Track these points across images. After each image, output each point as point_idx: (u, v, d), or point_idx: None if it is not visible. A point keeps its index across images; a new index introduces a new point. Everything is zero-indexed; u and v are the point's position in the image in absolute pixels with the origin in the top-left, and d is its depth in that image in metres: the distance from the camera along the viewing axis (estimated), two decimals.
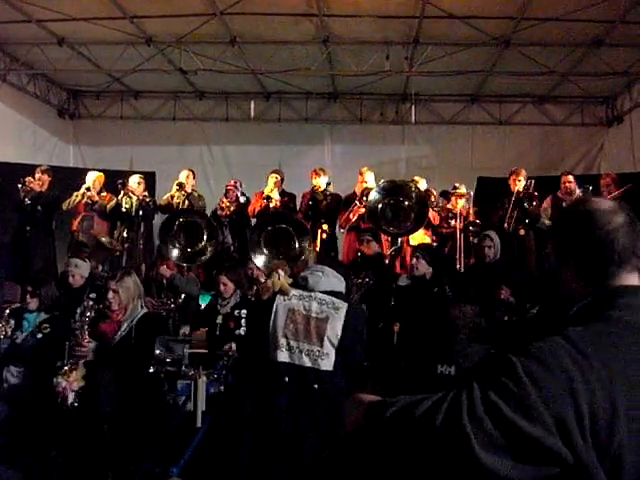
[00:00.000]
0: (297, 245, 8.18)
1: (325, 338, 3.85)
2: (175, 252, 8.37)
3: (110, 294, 4.88)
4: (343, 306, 3.99)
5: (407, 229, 8.45)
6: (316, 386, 3.79)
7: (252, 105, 12.57)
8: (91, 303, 5.18)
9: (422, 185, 9.27)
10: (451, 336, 1.96)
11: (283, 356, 3.82)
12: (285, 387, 3.79)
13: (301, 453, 3.74)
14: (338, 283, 4.14)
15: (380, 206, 8.41)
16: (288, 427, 3.75)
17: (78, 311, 5.14)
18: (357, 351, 4.04)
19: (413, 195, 8.41)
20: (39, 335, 5.51)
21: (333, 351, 3.85)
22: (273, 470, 3.74)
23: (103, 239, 8.94)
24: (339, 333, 3.89)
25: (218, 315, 6.14)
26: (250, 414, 3.84)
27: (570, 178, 8.91)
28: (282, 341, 3.82)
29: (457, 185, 9.34)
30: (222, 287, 6.25)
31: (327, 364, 3.83)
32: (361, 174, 9.30)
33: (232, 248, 9.28)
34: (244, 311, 6.01)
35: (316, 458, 3.76)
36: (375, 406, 1.55)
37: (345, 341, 3.90)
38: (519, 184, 8.81)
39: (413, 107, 11.91)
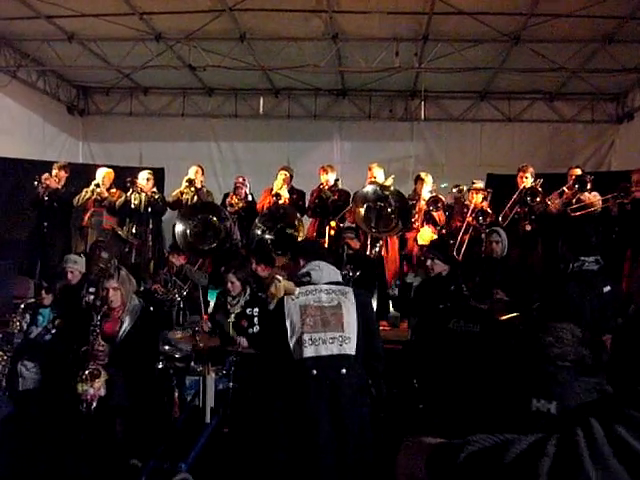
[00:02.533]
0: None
1: (344, 322, 3.89)
2: (180, 230, 8.57)
3: (111, 292, 4.90)
4: (349, 290, 4.06)
5: (394, 231, 8.71)
6: (344, 371, 3.81)
7: (261, 101, 12.57)
8: (92, 297, 5.22)
9: (428, 182, 9.26)
10: (543, 367, 1.61)
11: (308, 351, 3.81)
12: (314, 379, 3.79)
13: (344, 444, 3.75)
14: (335, 274, 4.21)
15: (363, 211, 8.59)
16: (327, 419, 3.75)
17: (84, 305, 5.17)
18: (375, 329, 4.10)
19: (392, 202, 8.60)
20: (53, 331, 5.55)
21: (354, 334, 3.89)
22: (318, 465, 3.74)
23: (120, 232, 9.06)
24: (354, 315, 3.93)
25: (230, 314, 6.16)
26: (283, 418, 3.83)
27: (577, 171, 8.82)
28: (305, 337, 3.82)
29: (475, 181, 9.37)
30: (230, 285, 6.27)
31: (350, 348, 3.86)
32: (370, 170, 9.30)
33: (240, 244, 9.27)
34: (256, 309, 6.03)
35: (356, 446, 3.78)
36: (440, 450, 1.25)
37: (362, 321, 3.95)
38: (526, 181, 8.76)
39: (422, 104, 11.87)
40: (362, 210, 8.56)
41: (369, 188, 8.83)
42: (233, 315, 6.15)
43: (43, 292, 5.82)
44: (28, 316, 5.71)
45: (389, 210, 8.59)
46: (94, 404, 4.63)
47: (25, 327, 5.62)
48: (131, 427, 4.62)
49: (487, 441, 1.16)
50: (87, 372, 4.70)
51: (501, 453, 1.10)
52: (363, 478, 3.81)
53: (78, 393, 4.66)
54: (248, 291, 6.35)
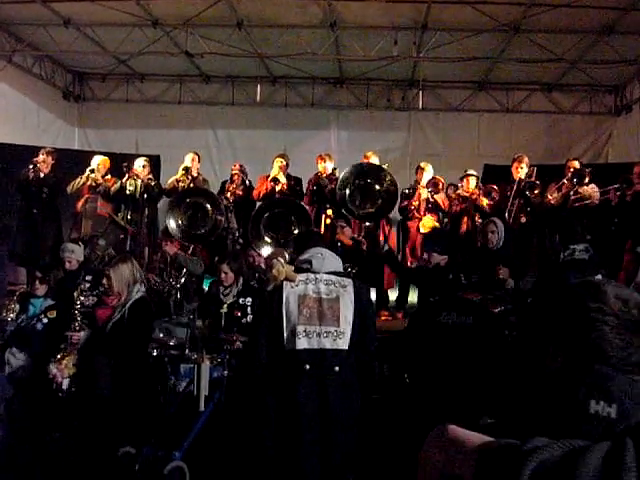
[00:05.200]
0: (297, 230, 8.25)
1: (340, 317, 3.85)
2: (174, 225, 8.49)
3: (104, 280, 4.89)
4: (349, 283, 4.00)
5: (370, 214, 8.49)
6: (337, 368, 3.78)
7: (258, 89, 12.50)
8: (87, 285, 5.20)
9: (429, 170, 9.24)
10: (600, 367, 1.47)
11: (301, 343, 3.78)
12: (307, 374, 3.76)
13: (329, 441, 3.72)
14: (337, 263, 4.15)
15: (347, 191, 8.40)
16: (314, 416, 3.73)
17: (75, 295, 5.15)
18: (370, 324, 4.06)
19: (385, 182, 8.39)
20: (45, 320, 5.52)
21: (349, 329, 3.86)
22: (302, 461, 3.71)
23: (117, 218, 9.03)
24: (352, 310, 3.90)
25: (222, 304, 6.14)
26: (273, 406, 3.80)
27: (576, 164, 8.80)
28: (299, 328, 3.79)
29: (467, 169, 9.39)
30: (223, 275, 6.26)
31: (344, 343, 3.83)
32: (366, 158, 9.25)
33: (237, 233, 9.23)
34: (249, 299, 6.02)
35: (343, 443, 3.76)
36: (499, 455, 1.11)
37: (358, 316, 3.92)
38: (521, 171, 8.72)
39: (420, 93, 11.84)
40: (347, 191, 8.37)
41: (365, 162, 8.80)
42: (226, 305, 6.13)
43: (37, 282, 5.76)
44: (17, 305, 5.65)
45: (377, 187, 8.37)
46: (64, 385, 4.62)
47: (14, 316, 5.57)
48: (114, 417, 4.59)
49: (553, 450, 1.05)
50: (59, 355, 4.71)
51: (574, 469, 1.00)
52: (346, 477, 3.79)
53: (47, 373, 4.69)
54: (241, 281, 6.34)
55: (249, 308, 6.01)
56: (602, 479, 0.97)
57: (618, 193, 8.09)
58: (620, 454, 0.99)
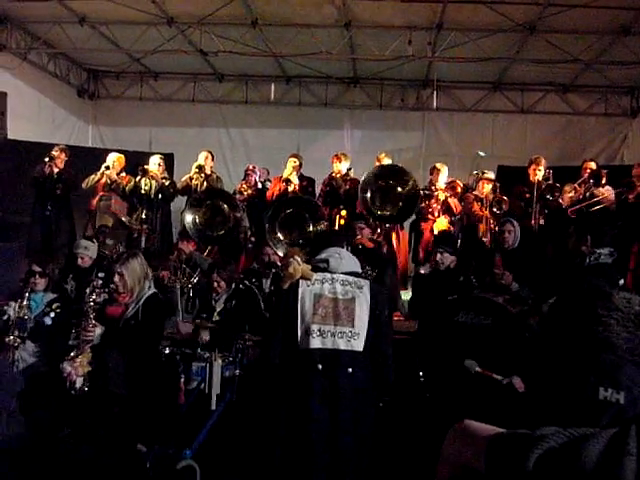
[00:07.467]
0: (311, 229, 8.23)
1: (356, 318, 3.82)
2: (190, 220, 8.56)
3: (116, 277, 4.88)
4: (366, 284, 3.96)
5: (390, 216, 8.52)
6: (350, 370, 3.75)
7: (272, 88, 12.50)
8: (100, 282, 5.19)
9: (444, 172, 9.20)
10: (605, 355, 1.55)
11: (315, 343, 3.76)
12: (320, 374, 3.74)
13: (339, 442, 3.71)
14: (355, 264, 4.12)
15: (369, 193, 8.41)
16: (325, 416, 3.71)
17: (87, 291, 5.15)
18: (385, 326, 4.03)
19: (408, 185, 8.39)
20: (52, 314, 5.52)
21: (364, 330, 3.83)
22: (311, 461, 3.69)
23: (123, 218, 9.04)
24: (367, 311, 3.86)
25: (214, 312, 6.15)
26: (284, 405, 3.78)
27: (592, 165, 8.74)
28: (313, 327, 3.77)
29: (485, 171, 9.31)
30: (215, 284, 6.27)
31: (359, 344, 3.80)
32: (378, 160, 9.23)
33: (249, 232, 9.24)
34: (234, 302, 6.07)
35: (352, 447, 3.73)
36: (506, 443, 1.16)
37: (374, 318, 3.88)
38: (539, 174, 8.67)
39: (434, 93, 11.78)
40: (368, 193, 8.38)
41: (387, 162, 8.81)
42: (216, 313, 6.13)
43: (37, 276, 5.72)
44: (24, 302, 5.60)
45: (399, 190, 8.39)
46: (78, 384, 4.61)
47: (12, 313, 5.54)
48: (131, 414, 4.59)
49: (559, 438, 1.09)
50: (72, 353, 4.70)
51: (579, 454, 1.04)
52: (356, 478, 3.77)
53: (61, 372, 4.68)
54: (233, 286, 6.34)
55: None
56: (605, 464, 1.01)
57: (623, 197, 8.04)
58: (623, 440, 1.03)
